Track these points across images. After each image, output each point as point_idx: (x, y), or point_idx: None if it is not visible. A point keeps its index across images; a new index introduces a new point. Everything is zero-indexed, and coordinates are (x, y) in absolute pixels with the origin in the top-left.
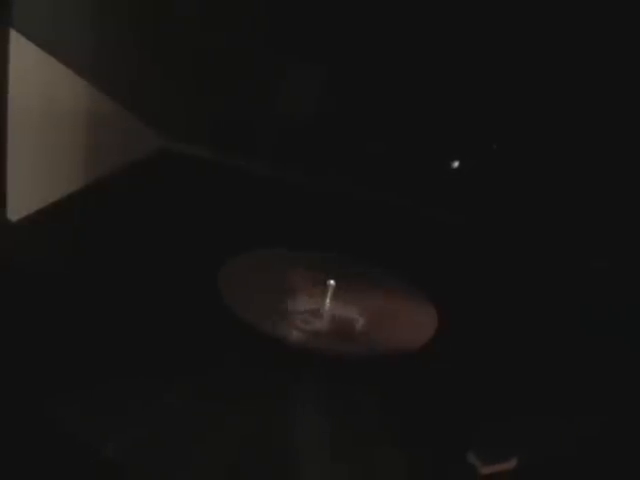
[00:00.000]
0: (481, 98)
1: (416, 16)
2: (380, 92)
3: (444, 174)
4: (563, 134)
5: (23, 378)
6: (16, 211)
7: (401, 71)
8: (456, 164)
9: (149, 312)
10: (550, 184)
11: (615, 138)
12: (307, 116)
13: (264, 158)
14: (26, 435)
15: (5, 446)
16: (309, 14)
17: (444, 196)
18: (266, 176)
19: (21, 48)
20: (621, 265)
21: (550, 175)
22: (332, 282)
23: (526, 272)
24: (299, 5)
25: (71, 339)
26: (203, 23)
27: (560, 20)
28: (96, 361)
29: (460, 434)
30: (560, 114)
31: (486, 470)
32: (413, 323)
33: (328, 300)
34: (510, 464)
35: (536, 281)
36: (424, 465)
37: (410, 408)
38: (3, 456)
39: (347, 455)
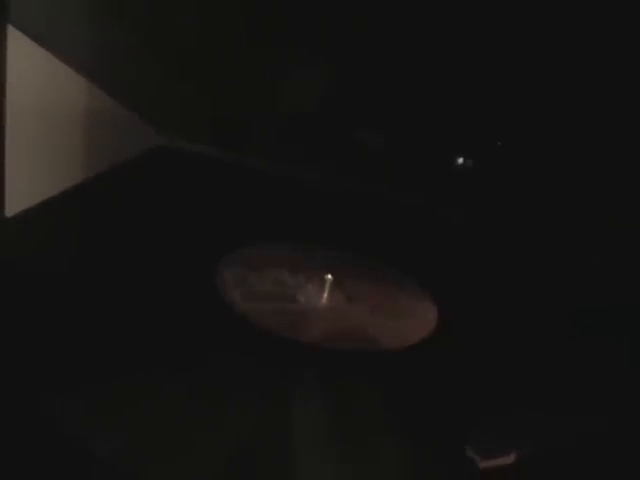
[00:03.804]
0: (485, 94)
1: (421, 10)
2: (384, 88)
3: (446, 170)
4: (563, 131)
5: (17, 376)
6: (14, 210)
7: (405, 67)
8: (460, 161)
9: (146, 309)
10: (553, 181)
11: (613, 135)
12: (308, 111)
13: (263, 154)
14: (21, 434)
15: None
16: (309, 10)
17: (443, 192)
18: (265, 172)
19: (19, 45)
20: (619, 260)
21: (553, 172)
22: (329, 277)
23: (526, 267)
24: (298, 2)
25: (67, 337)
26: (201, 20)
27: (564, 18)
28: (92, 359)
29: (459, 428)
30: (560, 112)
31: (485, 464)
32: (413, 318)
33: (326, 295)
34: (509, 458)
35: (535, 276)
36: (423, 459)
37: (409, 403)
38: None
39: (345, 450)
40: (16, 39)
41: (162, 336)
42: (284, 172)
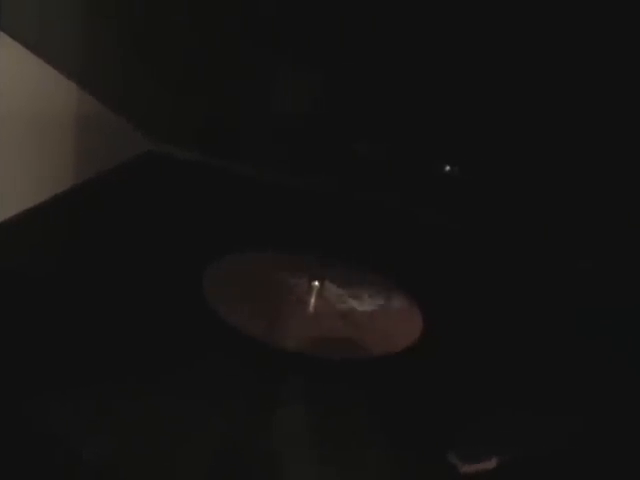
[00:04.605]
0: (474, 100)
1: (412, 15)
2: (371, 92)
3: (434, 177)
4: (554, 136)
5: (5, 378)
6: (3, 214)
7: (394, 71)
8: (448, 168)
9: (133, 313)
10: (539, 186)
11: (605, 141)
12: (297, 118)
13: (252, 160)
14: (8, 436)
15: None
16: (297, 13)
17: (432, 198)
18: (253, 178)
19: (9, 50)
20: (605, 266)
21: (538, 177)
22: (316, 283)
23: (509, 271)
24: (286, 4)
25: (54, 340)
26: (192, 27)
27: (557, 23)
28: (78, 362)
29: (442, 434)
30: (552, 119)
31: (467, 469)
32: (398, 324)
33: (313, 301)
34: (491, 463)
35: (518, 280)
36: (406, 465)
37: (392, 409)
38: None
39: (330, 455)
40: (6, 45)
41: (149, 341)
42: (272, 178)
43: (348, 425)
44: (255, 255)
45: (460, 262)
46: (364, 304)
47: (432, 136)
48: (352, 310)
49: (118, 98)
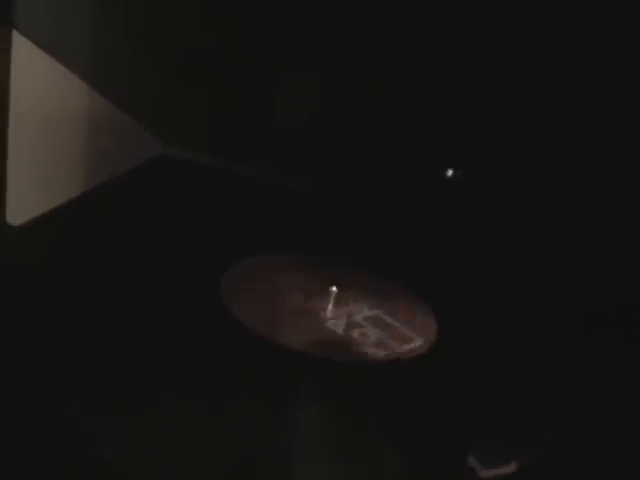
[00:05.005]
0: (477, 105)
1: (412, 26)
2: (380, 100)
3: (442, 182)
4: (557, 138)
5: (25, 380)
6: (16, 215)
7: (396, 78)
8: (451, 173)
9: (150, 316)
10: (542, 189)
11: (606, 146)
12: (308, 122)
13: (261, 162)
14: (27, 436)
15: (6, 446)
16: (307, 22)
17: (443, 203)
18: (267, 181)
19: (23, 50)
20: (620, 267)
21: (541, 180)
22: (334, 289)
23: (522, 276)
24: (297, 13)
25: (72, 342)
26: (204, 31)
27: (553, 29)
28: (97, 363)
29: (461, 438)
30: (552, 123)
31: (486, 473)
32: (412, 328)
33: (330, 306)
34: (510, 467)
35: (532, 285)
36: (425, 469)
37: (410, 412)
38: (4, 456)
39: (346, 459)
40: (20, 45)
41: (164, 343)
42: (287, 183)
43: (364, 429)
44: (272, 259)
45: (474, 266)
46: (379, 308)
47: (436, 141)
48: (367, 315)
49: (129, 99)
